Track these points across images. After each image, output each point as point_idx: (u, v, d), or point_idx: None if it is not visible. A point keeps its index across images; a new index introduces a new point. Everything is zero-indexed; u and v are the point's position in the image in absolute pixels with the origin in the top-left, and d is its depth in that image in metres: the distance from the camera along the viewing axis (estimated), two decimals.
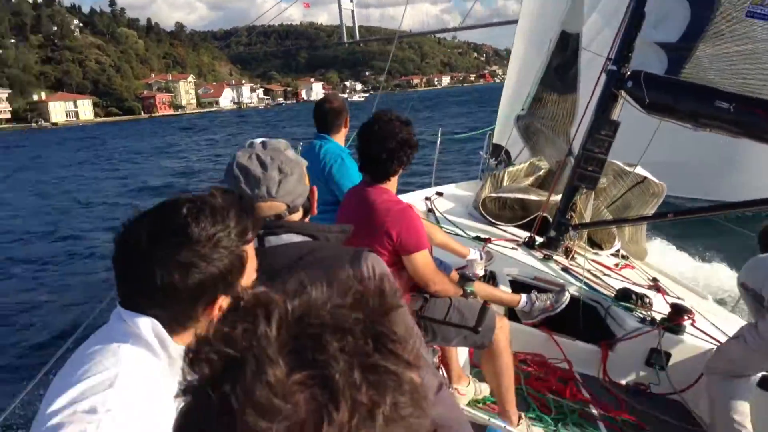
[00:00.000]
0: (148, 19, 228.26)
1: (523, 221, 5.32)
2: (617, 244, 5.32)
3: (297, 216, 1.88)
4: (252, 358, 0.61)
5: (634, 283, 4.55)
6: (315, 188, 1.98)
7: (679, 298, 4.51)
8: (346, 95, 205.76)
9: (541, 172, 6.05)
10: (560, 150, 5.85)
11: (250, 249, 1.34)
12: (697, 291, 5.08)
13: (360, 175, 3.94)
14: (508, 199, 5.48)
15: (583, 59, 6.57)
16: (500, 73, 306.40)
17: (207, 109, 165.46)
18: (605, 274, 4.58)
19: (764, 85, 3.89)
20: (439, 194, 5.97)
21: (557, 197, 4.96)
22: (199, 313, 1.26)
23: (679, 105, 4.26)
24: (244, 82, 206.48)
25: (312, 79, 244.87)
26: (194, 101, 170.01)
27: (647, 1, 4.56)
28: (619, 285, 4.34)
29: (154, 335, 1.22)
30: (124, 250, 1.25)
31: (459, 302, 3.02)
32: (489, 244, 4.56)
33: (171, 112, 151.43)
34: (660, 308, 4.02)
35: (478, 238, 4.70)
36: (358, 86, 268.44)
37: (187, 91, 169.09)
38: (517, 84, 8.36)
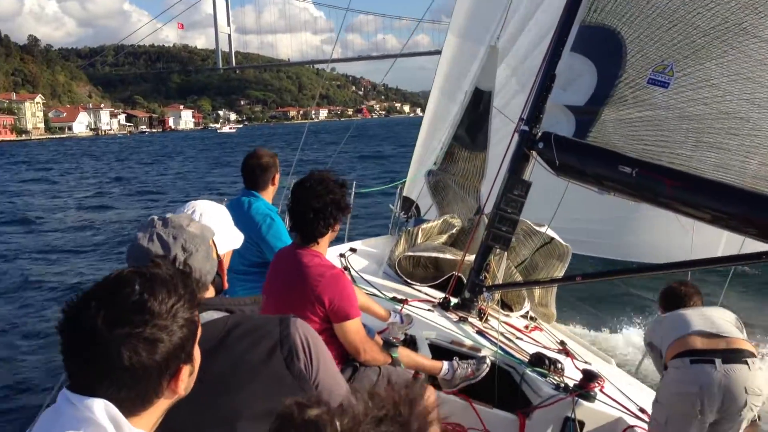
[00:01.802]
0: None
1: (437, 282, 5.65)
2: (526, 306, 5.72)
3: (208, 294, 1.95)
4: None
5: (545, 347, 4.91)
6: (223, 261, 2.05)
7: (586, 362, 4.89)
8: (218, 125, 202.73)
9: (455, 230, 6.42)
10: (470, 208, 6.37)
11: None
12: (601, 355, 5.54)
13: (287, 236, 4.21)
14: (421, 258, 5.79)
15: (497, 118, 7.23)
16: (377, 108, 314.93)
17: (57, 135, 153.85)
18: (517, 338, 4.90)
19: (662, 151, 4.34)
20: (353, 250, 6.22)
21: (471, 257, 5.31)
22: (164, 387, 1.32)
23: (586, 168, 4.69)
24: (103, 105, 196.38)
25: (181, 107, 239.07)
26: (42, 125, 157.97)
27: (559, 63, 5.05)
28: (530, 348, 4.65)
29: (110, 419, 1.24)
30: (77, 336, 1.27)
31: (388, 371, 3.19)
32: (406, 306, 4.81)
33: (12, 137, 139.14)
34: (571, 374, 4.33)
35: (395, 299, 4.93)
36: (232, 116, 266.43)
37: (33, 113, 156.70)
38: (428, 137, 8.84)
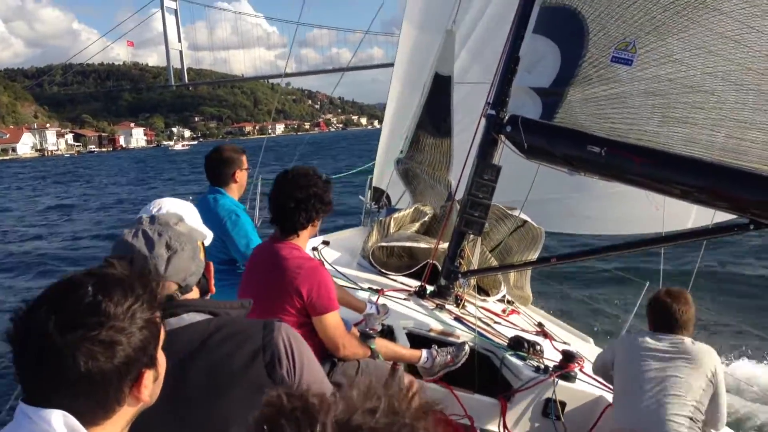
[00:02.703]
0: None
1: (412, 270, 5.70)
2: (503, 290, 5.79)
3: (192, 296, 1.92)
4: None
5: (523, 330, 4.98)
6: (211, 264, 2.03)
7: (565, 342, 5.00)
8: (172, 143, 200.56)
9: (427, 218, 6.47)
10: (440, 195, 6.44)
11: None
12: (579, 334, 5.67)
13: (254, 232, 4.22)
14: (395, 247, 5.85)
15: (460, 95, 7.31)
16: (334, 122, 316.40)
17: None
18: (495, 322, 4.97)
19: (630, 129, 4.42)
20: (326, 243, 6.23)
21: (445, 244, 5.35)
22: (126, 393, 1.27)
23: (554, 149, 4.75)
24: (48, 126, 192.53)
25: (132, 124, 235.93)
26: None
27: (522, 46, 5.12)
28: (509, 332, 4.72)
29: (69, 431, 1.20)
30: (29, 344, 1.22)
31: (367, 365, 3.22)
32: (382, 296, 4.83)
33: None
34: (550, 355, 4.41)
35: (371, 290, 4.95)
36: (186, 132, 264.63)
37: None
38: (393, 126, 8.93)
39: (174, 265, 1.85)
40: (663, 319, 3.82)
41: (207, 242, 2.22)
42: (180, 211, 2.36)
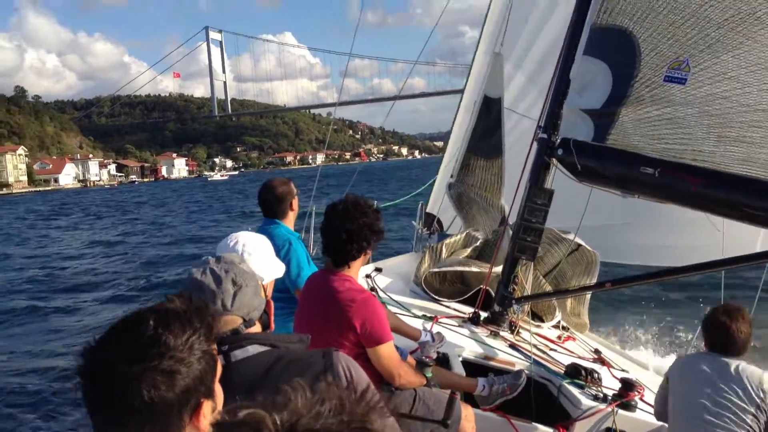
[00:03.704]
0: None
1: (465, 296, 5.72)
2: (558, 316, 5.78)
3: (254, 330, 2.04)
4: None
5: (579, 357, 4.97)
6: (272, 302, 2.16)
7: (623, 370, 4.96)
8: (213, 173, 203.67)
9: (478, 243, 6.52)
10: (494, 219, 6.49)
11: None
12: (638, 361, 5.60)
13: (307, 260, 4.33)
14: (448, 273, 5.88)
15: (510, 123, 7.36)
16: (375, 152, 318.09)
17: (41, 188, 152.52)
18: (551, 349, 4.97)
19: (684, 149, 4.40)
20: (378, 270, 6.30)
21: (498, 269, 5.39)
22: (186, 422, 1.36)
23: (607, 171, 4.76)
24: (91, 156, 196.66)
25: (174, 155, 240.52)
26: (25, 178, 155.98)
27: (572, 69, 5.14)
28: (565, 359, 4.72)
29: None
30: (97, 379, 1.32)
31: (424, 393, 3.25)
32: (436, 323, 4.89)
33: None
34: (608, 383, 4.38)
35: (425, 317, 5.02)
36: (228, 162, 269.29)
37: (15, 165, 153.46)
38: (452, 151, 8.99)
39: (240, 299, 1.99)
40: (720, 339, 3.78)
41: (280, 274, 2.41)
42: (256, 244, 2.53)
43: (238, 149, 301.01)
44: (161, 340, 1.34)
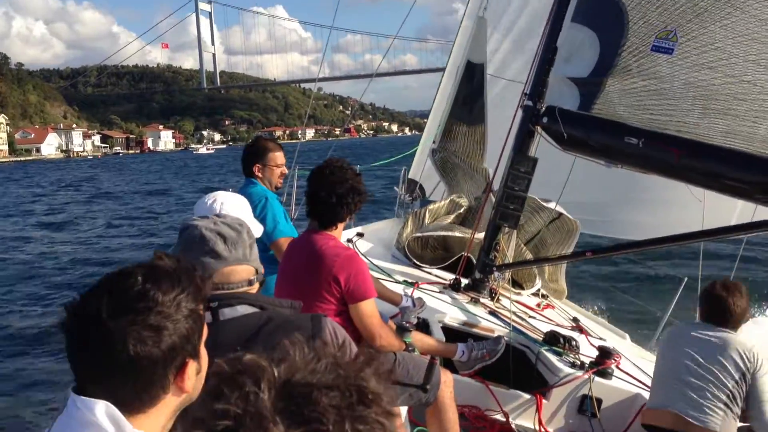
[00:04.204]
0: None
1: (447, 263, 5.79)
2: (538, 283, 5.87)
3: (256, 288, 2.07)
4: (250, 422, 0.74)
5: (558, 324, 5.04)
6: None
7: (601, 338, 5.05)
8: (201, 146, 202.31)
9: (462, 210, 6.57)
10: (478, 185, 6.51)
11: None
12: (615, 330, 5.70)
13: (285, 217, 4.35)
14: (430, 239, 5.92)
15: (495, 89, 7.36)
16: (365, 128, 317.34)
17: (24, 158, 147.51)
18: (530, 316, 5.04)
19: (669, 120, 4.43)
20: (360, 235, 6.36)
21: (480, 235, 5.43)
22: (170, 381, 1.37)
23: (592, 141, 4.77)
24: (75, 126, 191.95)
25: (161, 127, 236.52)
26: (5, 147, 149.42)
27: (559, 36, 5.13)
28: (544, 327, 4.79)
29: (111, 421, 1.30)
30: (81, 329, 1.32)
31: (403, 358, 3.28)
32: (417, 289, 4.95)
33: None
34: (586, 351, 4.46)
35: (406, 283, 5.09)
36: (216, 136, 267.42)
37: None
38: (435, 118, 9.00)
39: (254, 252, 2.04)
40: (717, 311, 3.86)
41: (258, 234, 2.40)
42: (235, 202, 2.55)
43: (227, 122, 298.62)
44: (149, 295, 1.33)
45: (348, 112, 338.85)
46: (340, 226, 3.32)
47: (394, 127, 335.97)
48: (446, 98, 8.29)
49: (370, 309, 3.18)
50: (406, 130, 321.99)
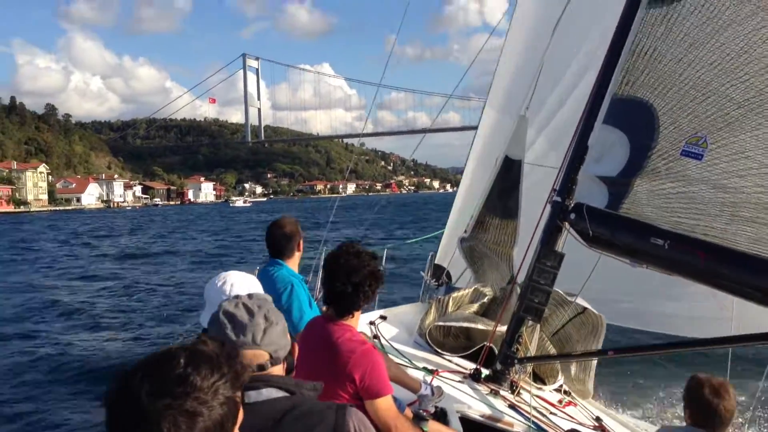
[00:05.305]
0: (12, 98, 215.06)
1: (468, 352, 5.79)
2: (560, 379, 5.81)
3: (278, 370, 2.09)
4: None
5: (579, 423, 4.99)
6: (296, 345, 2.21)
7: None
8: (239, 199, 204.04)
9: (486, 299, 6.59)
10: (504, 275, 6.61)
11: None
12: None
13: (309, 303, 4.46)
14: (453, 327, 5.98)
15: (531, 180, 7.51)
16: (406, 184, 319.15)
17: (62, 207, 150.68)
18: (551, 413, 5.00)
19: (696, 224, 4.48)
20: (383, 318, 6.42)
21: (503, 327, 5.46)
22: None
23: (617, 240, 4.85)
24: (116, 177, 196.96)
25: (202, 179, 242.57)
26: (45, 196, 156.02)
27: (591, 135, 5.26)
28: (565, 425, 4.76)
29: None
30: (121, 409, 1.37)
31: None
32: (437, 377, 4.95)
33: (9, 208, 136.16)
34: None
35: (425, 370, 5.09)
36: (258, 189, 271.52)
37: (36, 183, 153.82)
38: (463, 204, 9.16)
39: (269, 336, 2.07)
40: (705, 416, 3.81)
41: None
42: (245, 283, 2.63)
43: (269, 175, 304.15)
44: (188, 380, 1.38)
45: (390, 168, 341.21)
46: (357, 313, 3.31)
47: (436, 184, 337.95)
48: (468, 185, 8.47)
49: (386, 404, 3.17)
50: (447, 186, 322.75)
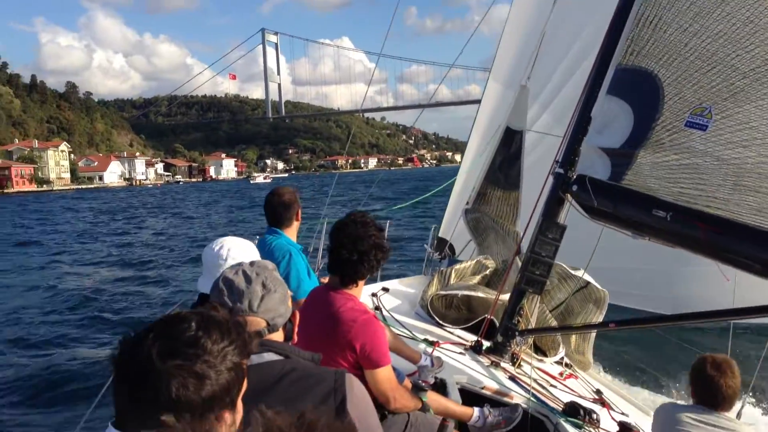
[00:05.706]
0: (33, 76, 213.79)
1: (470, 324, 5.82)
2: (561, 351, 5.83)
3: (277, 337, 2.11)
4: None
5: (579, 395, 5.00)
6: (297, 313, 2.23)
7: (623, 413, 4.98)
8: (260, 175, 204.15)
9: (488, 271, 6.63)
10: (509, 247, 6.61)
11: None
12: (639, 406, 5.61)
13: (308, 272, 4.50)
14: (454, 298, 5.99)
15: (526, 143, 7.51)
16: (428, 158, 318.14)
17: (84, 186, 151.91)
18: (551, 385, 5.02)
19: (700, 195, 4.46)
20: (385, 290, 6.46)
21: (505, 298, 5.48)
22: (207, 429, 1.39)
23: (619, 211, 4.84)
24: (138, 154, 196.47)
25: (223, 155, 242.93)
26: (67, 175, 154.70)
27: (593, 106, 5.23)
28: (564, 397, 4.77)
29: None
30: (132, 366, 1.40)
31: (416, 419, 3.32)
32: (437, 348, 4.99)
33: (32, 187, 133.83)
34: (607, 425, 4.44)
35: (426, 341, 5.13)
36: (280, 165, 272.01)
37: (57, 162, 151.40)
38: (468, 177, 9.15)
39: (266, 303, 2.10)
40: (708, 394, 3.78)
41: None
42: (242, 249, 2.66)
43: (290, 151, 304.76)
44: (200, 343, 1.42)
45: (411, 142, 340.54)
46: (361, 283, 3.31)
47: (458, 157, 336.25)
48: (472, 157, 8.45)
49: (385, 374, 3.19)
50: None
